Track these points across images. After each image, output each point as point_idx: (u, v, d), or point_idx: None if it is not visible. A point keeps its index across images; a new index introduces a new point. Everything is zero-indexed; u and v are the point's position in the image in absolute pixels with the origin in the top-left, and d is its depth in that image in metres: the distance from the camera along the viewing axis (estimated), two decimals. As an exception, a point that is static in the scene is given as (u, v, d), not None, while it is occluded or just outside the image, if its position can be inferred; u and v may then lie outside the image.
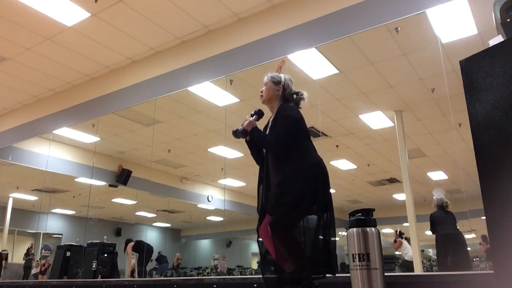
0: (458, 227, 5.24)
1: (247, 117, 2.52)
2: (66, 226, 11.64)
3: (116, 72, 6.43)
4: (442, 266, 5.29)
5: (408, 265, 6.66)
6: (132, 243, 8.27)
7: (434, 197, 5.44)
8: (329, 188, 2.38)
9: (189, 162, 9.56)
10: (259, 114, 2.56)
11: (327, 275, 2.24)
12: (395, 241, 7.05)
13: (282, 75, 2.62)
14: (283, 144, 2.35)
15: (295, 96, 2.59)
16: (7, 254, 9.01)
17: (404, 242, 6.91)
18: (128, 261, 8.14)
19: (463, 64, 1.62)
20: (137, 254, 8.32)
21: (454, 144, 5.99)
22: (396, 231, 7.04)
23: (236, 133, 2.48)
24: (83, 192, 8.98)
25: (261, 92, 2.61)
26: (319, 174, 2.36)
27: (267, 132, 2.55)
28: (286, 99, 2.57)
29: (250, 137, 2.47)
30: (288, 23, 4.63)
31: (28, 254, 9.68)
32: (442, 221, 5.31)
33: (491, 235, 1.44)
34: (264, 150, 2.53)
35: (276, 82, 2.58)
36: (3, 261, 8.92)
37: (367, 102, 6.11)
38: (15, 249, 10.08)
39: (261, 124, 2.61)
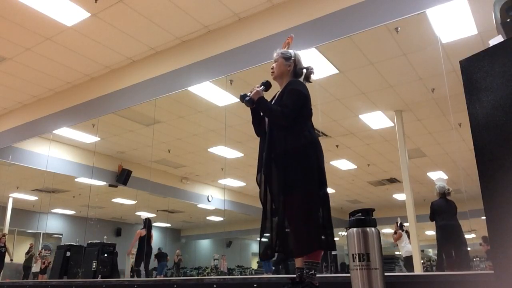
0: (457, 217, 5.25)
1: (256, 86, 2.53)
2: (66, 226, 11.64)
3: (116, 72, 6.43)
4: (441, 257, 5.33)
5: (406, 262, 6.68)
6: (143, 229, 8.07)
7: (436, 185, 5.47)
8: (323, 166, 2.40)
9: (189, 162, 9.56)
10: (267, 85, 2.57)
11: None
12: (395, 233, 7.08)
13: (291, 51, 2.62)
14: (289, 116, 2.35)
15: (305, 71, 2.59)
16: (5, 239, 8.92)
17: (404, 235, 6.93)
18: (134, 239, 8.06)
19: (463, 64, 1.62)
20: (136, 255, 8.28)
21: (454, 144, 5.99)
22: (397, 222, 7.06)
23: (243, 99, 2.49)
24: (83, 192, 8.98)
25: (272, 68, 2.61)
26: (316, 151, 2.38)
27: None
28: (296, 74, 2.58)
29: (256, 106, 2.47)
30: (288, 23, 4.63)
31: (29, 253, 9.67)
32: (442, 211, 5.34)
33: (491, 235, 1.44)
34: (266, 122, 2.52)
35: (287, 58, 2.57)
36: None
37: (367, 102, 6.11)
38: (15, 249, 10.07)
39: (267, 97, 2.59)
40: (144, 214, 10.07)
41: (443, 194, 5.39)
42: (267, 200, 2.41)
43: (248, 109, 2.59)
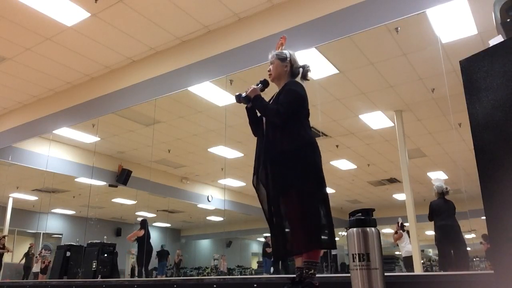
0: (455, 217, 5.26)
1: (253, 85, 2.53)
2: (66, 226, 11.64)
3: (116, 72, 6.43)
4: (442, 257, 5.34)
5: (406, 262, 6.69)
6: (141, 230, 8.21)
7: (434, 185, 5.48)
8: (321, 166, 2.40)
9: (189, 162, 9.56)
10: (264, 83, 2.57)
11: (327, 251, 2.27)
12: (396, 232, 7.08)
13: (286, 51, 2.61)
14: (284, 115, 2.35)
15: (301, 69, 2.59)
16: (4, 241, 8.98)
17: (404, 235, 6.94)
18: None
19: (463, 64, 1.62)
20: (136, 255, 8.31)
21: (454, 144, 5.99)
22: (398, 222, 7.06)
23: (239, 98, 2.50)
24: (83, 192, 8.98)
25: (269, 70, 2.60)
26: (314, 151, 2.38)
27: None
28: (293, 74, 2.58)
29: (252, 104, 2.47)
30: (288, 23, 4.63)
31: (28, 254, 9.68)
32: (441, 211, 5.35)
33: (491, 235, 1.44)
34: (264, 121, 2.52)
35: (282, 59, 2.57)
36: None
37: (367, 102, 6.11)
38: (15, 249, 10.08)
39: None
40: (144, 214, 10.08)
41: (442, 194, 5.41)
42: (269, 202, 2.41)
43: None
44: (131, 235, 8.29)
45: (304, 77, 2.59)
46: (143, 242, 7.88)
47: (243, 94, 2.50)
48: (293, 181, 2.29)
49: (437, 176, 7.97)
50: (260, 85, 2.56)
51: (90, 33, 5.45)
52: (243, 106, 2.59)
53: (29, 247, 9.92)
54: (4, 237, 8.96)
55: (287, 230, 2.32)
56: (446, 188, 5.39)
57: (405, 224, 7.00)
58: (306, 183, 2.29)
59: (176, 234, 15.82)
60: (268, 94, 2.61)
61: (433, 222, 5.47)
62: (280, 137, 2.37)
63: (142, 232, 7.96)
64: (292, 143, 2.34)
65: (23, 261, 9.71)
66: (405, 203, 5.53)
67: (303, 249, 2.26)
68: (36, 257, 9.28)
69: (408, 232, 6.82)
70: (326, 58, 4.90)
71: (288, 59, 2.57)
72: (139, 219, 8.58)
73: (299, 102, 2.43)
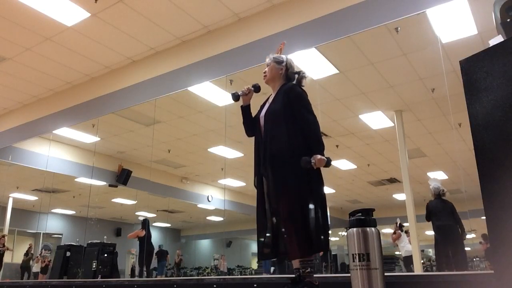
0: (455, 216, 5.24)
1: (245, 87, 2.63)
2: (66, 226, 11.64)
3: (116, 72, 6.43)
4: (440, 257, 5.34)
5: (406, 262, 6.70)
6: (142, 230, 8.25)
7: (430, 186, 5.48)
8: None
9: (189, 162, 9.56)
10: (256, 87, 2.68)
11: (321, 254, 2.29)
12: (394, 233, 7.10)
13: (283, 56, 2.67)
14: (316, 121, 2.44)
15: (296, 75, 2.63)
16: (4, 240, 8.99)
17: (403, 235, 6.96)
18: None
19: (463, 64, 1.62)
20: (137, 255, 8.32)
21: (454, 144, 5.99)
22: (397, 223, 7.08)
23: (235, 97, 2.61)
24: (83, 192, 8.98)
25: (264, 72, 2.65)
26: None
27: (265, 107, 2.58)
28: (288, 78, 2.62)
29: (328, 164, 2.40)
30: (288, 23, 4.63)
31: (27, 254, 9.68)
32: (438, 211, 5.35)
33: (491, 235, 1.44)
34: (261, 122, 2.54)
35: (279, 62, 2.62)
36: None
37: (367, 102, 6.12)
38: (15, 249, 10.08)
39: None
40: (144, 214, 10.09)
41: (438, 195, 5.39)
42: (265, 200, 2.42)
43: None
44: (132, 234, 8.33)
45: (299, 83, 2.62)
46: (144, 242, 7.91)
47: (239, 92, 2.60)
48: (294, 181, 2.29)
49: (437, 176, 7.98)
50: (252, 88, 2.66)
51: (90, 33, 5.45)
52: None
53: (28, 248, 9.92)
54: (4, 236, 8.97)
55: (283, 230, 2.32)
56: (443, 190, 5.37)
57: (403, 224, 7.01)
58: (308, 183, 2.29)
59: (176, 234, 15.81)
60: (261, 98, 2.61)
61: (431, 223, 5.47)
62: (283, 137, 2.38)
63: (143, 232, 7.99)
64: (294, 143, 2.35)
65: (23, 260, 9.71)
66: (405, 203, 5.52)
67: (299, 255, 2.26)
68: (37, 256, 9.29)
69: (406, 232, 6.83)
70: (326, 58, 4.89)
71: (284, 62, 2.62)
72: (140, 218, 8.59)
73: (310, 103, 2.50)
